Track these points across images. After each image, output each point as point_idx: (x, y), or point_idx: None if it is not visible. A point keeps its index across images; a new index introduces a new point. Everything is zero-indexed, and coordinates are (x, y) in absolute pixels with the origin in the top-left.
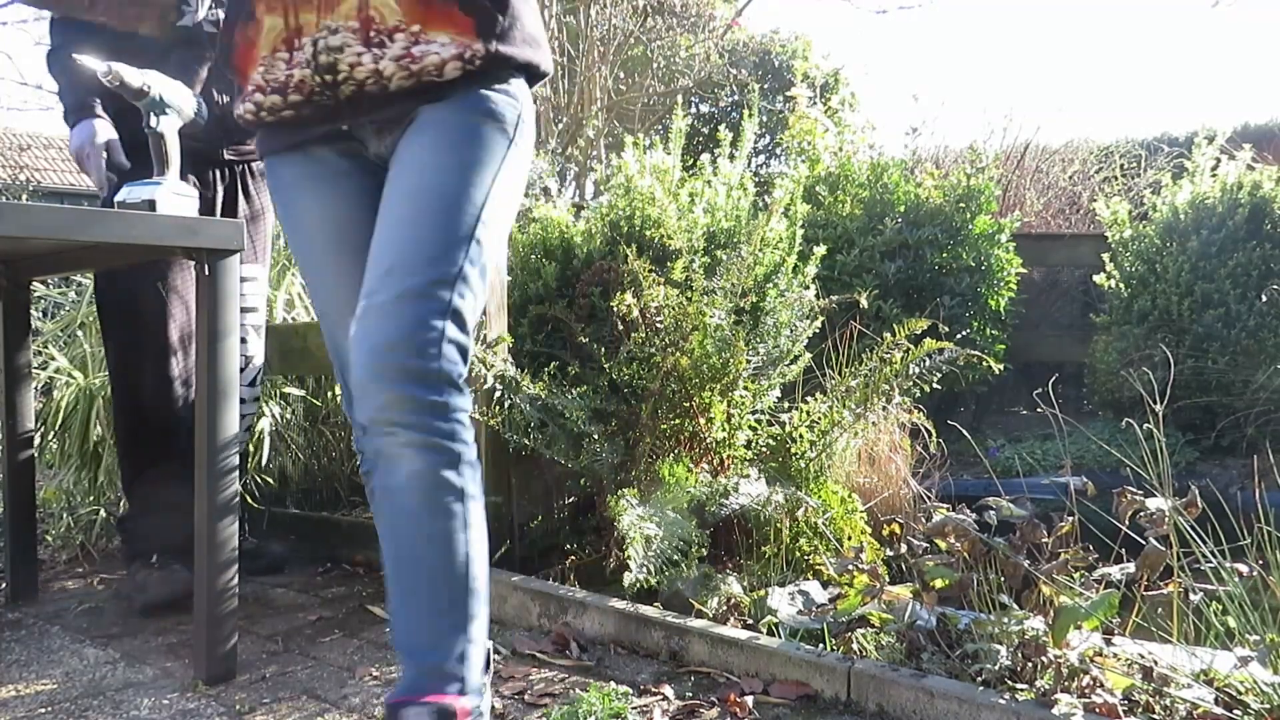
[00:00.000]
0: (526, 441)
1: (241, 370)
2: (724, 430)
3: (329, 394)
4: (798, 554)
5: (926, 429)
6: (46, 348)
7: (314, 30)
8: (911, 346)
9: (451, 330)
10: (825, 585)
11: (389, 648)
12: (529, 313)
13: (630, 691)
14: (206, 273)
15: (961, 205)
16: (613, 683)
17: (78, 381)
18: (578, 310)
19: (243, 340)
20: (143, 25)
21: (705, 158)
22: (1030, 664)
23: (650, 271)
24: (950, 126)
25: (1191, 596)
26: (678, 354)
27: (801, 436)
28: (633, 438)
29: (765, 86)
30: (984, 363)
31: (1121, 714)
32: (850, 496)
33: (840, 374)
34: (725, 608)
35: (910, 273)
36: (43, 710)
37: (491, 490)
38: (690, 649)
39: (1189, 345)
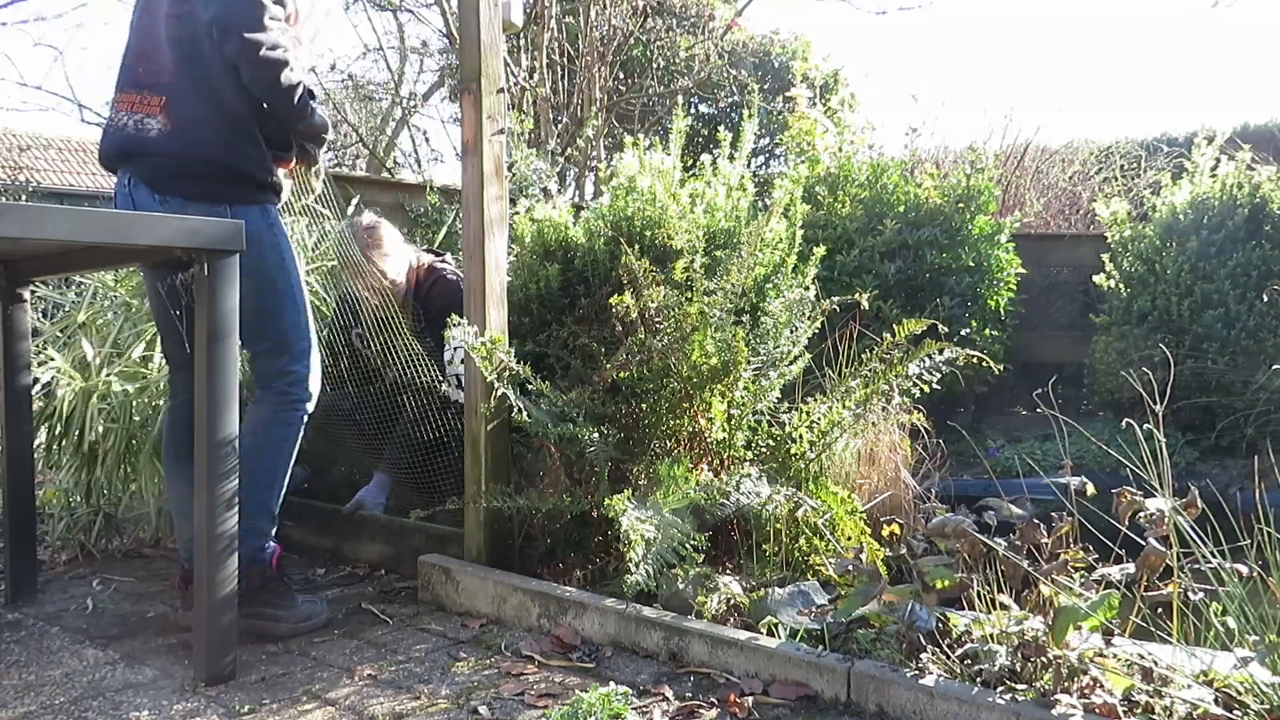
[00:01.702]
0: (528, 442)
1: None
2: (724, 431)
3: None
4: (797, 554)
5: (926, 429)
6: (46, 349)
7: None
8: (911, 347)
9: None
10: (825, 585)
11: (388, 647)
12: (531, 313)
13: (630, 692)
14: (205, 273)
15: (961, 206)
16: (612, 683)
17: (77, 382)
18: (578, 314)
19: None
20: None
21: (705, 158)
22: (1030, 664)
23: (651, 272)
24: (950, 127)
25: (1191, 597)
26: (678, 354)
27: (801, 437)
28: (633, 438)
29: (765, 87)
30: (984, 363)
31: (1121, 714)
32: (850, 497)
33: (840, 374)
34: (725, 608)
35: (910, 273)
36: (42, 711)
37: (493, 490)
38: (690, 649)
39: (1189, 345)
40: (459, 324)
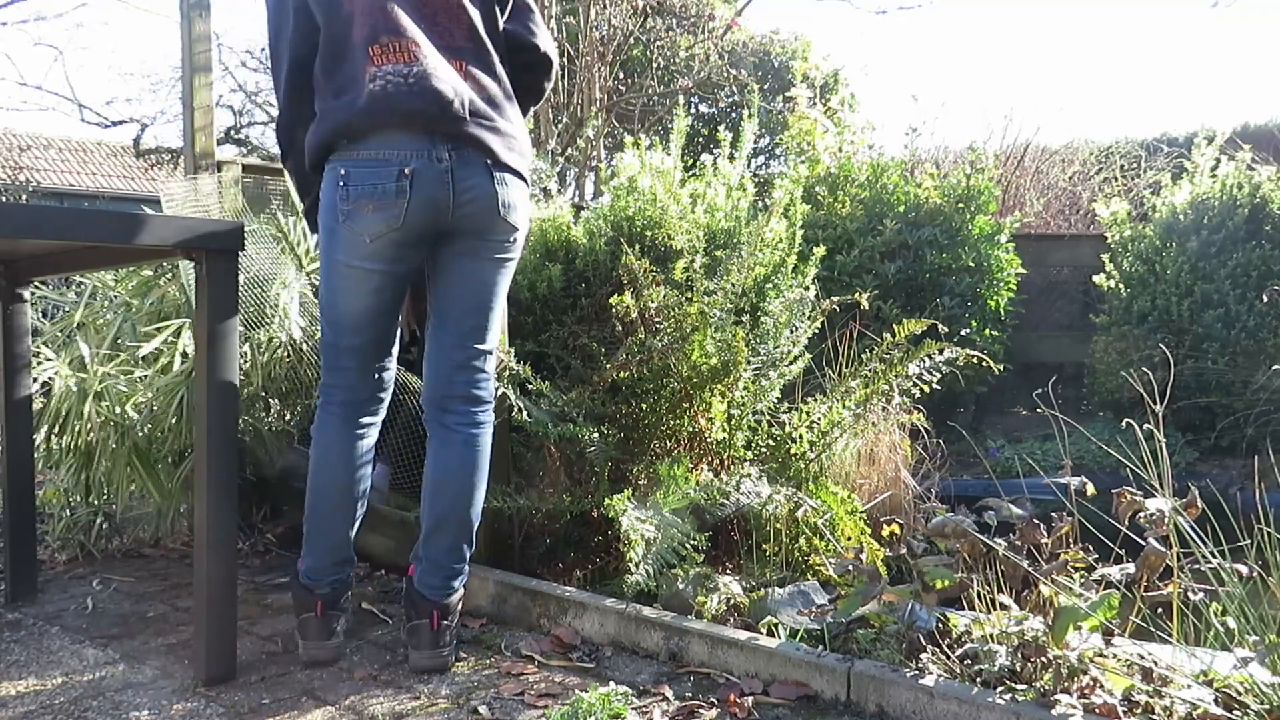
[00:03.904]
0: (528, 442)
1: None
2: (724, 431)
3: None
4: (797, 554)
5: (926, 429)
6: (43, 349)
7: None
8: (911, 347)
9: None
10: (825, 585)
11: (388, 647)
12: (534, 312)
13: (630, 692)
14: (205, 273)
15: (961, 206)
16: (612, 683)
17: (74, 381)
18: (579, 314)
19: None
20: None
21: (705, 158)
22: (1030, 664)
23: (651, 272)
24: (950, 127)
25: (1191, 597)
26: (678, 354)
27: (801, 437)
28: (633, 438)
29: (765, 87)
30: (984, 363)
31: (1121, 714)
32: (850, 497)
33: (840, 374)
34: (725, 608)
35: (910, 273)
36: (42, 711)
37: (493, 490)
38: (690, 649)
39: (1189, 346)
40: None
